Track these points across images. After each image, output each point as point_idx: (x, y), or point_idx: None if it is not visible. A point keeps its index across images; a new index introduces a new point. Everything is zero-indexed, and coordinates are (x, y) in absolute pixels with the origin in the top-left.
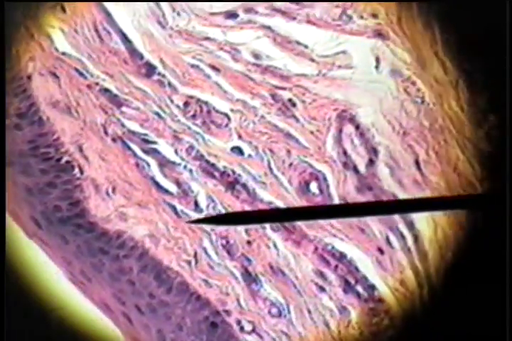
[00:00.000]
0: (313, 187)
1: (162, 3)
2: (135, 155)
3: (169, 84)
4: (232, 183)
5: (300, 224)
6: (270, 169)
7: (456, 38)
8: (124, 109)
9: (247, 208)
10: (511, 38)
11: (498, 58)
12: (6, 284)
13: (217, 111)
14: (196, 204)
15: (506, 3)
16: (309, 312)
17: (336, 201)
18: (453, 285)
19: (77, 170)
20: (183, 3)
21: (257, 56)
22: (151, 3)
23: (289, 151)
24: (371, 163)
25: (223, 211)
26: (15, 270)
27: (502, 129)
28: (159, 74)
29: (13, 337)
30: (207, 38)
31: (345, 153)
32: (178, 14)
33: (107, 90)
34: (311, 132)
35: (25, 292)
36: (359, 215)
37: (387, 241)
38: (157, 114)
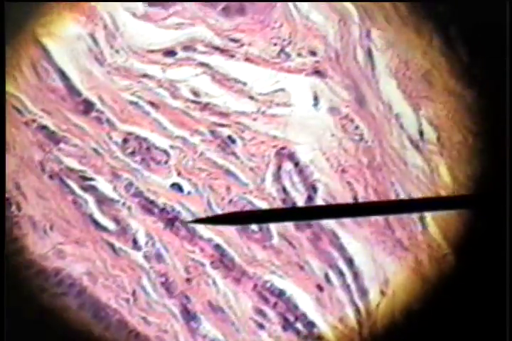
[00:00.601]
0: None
1: (100, 41)
2: (73, 192)
3: (108, 120)
4: (172, 220)
5: (239, 261)
6: (210, 206)
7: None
8: (61, 145)
9: (187, 245)
10: (511, 40)
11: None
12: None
13: (156, 148)
14: (135, 241)
15: (506, 3)
16: None
17: (275, 238)
18: (394, 322)
19: (14, 207)
20: (121, 41)
21: (196, 93)
22: (89, 41)
23: (228, 188)
24: (310, 199)
25: (162, 248)
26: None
27: (501, 130)
28: (97, 111)
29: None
30: (145, 75)
31: (284, 189)
32: (117, 51)
33: (44, 127)
34: (251, 169)
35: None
36: (360, 215)
37: (327, 278)
38: (95, 150)
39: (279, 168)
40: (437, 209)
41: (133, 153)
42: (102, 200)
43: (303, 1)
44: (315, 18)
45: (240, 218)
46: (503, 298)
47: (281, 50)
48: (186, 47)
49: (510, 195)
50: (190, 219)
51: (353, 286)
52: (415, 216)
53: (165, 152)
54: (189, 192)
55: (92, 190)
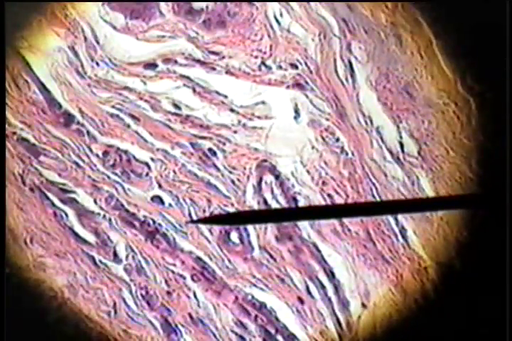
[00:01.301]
0: (234, 236)
1: (80, 53)
2: (53, 204)
3: (88, 133)
4: (152, 233)
5: (220, 274)
6: (191, 218)
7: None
8: (42, 158)
9: (168, 258)
10: (511, 42)
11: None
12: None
13: (137, 160)
14: (115, 254)
15: (506, 3)
16: None
17: (256, 250)
18: (374, 335)
19: None
20: (102, 53)
21: (176, 106)
22: (70, 53)
23: (209, 200)
24: None
25: (143, 261)
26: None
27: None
28: (78, 123)
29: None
30: (126, 88)
31: (265, 202)
32: (97, 64)
33: (24, 140)
34: (232, 181)
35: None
36: (360, 215)
37: (307, 290)
38: (76, 163)
39: (260, 180)
40: (437, 209)
41: (113, 166)
42: (82, 213)
43: (304, 1)
44: (295, 30)
45: (240, 218)
46: (489, 311)
47: (262, 63)
48: (167, 60)
49: (511, 195)
50: (170, 231)
51: (333, 299)
52: (396, 229)
53: (146, 164)
54: (170, 205)
55: (72, 202)
